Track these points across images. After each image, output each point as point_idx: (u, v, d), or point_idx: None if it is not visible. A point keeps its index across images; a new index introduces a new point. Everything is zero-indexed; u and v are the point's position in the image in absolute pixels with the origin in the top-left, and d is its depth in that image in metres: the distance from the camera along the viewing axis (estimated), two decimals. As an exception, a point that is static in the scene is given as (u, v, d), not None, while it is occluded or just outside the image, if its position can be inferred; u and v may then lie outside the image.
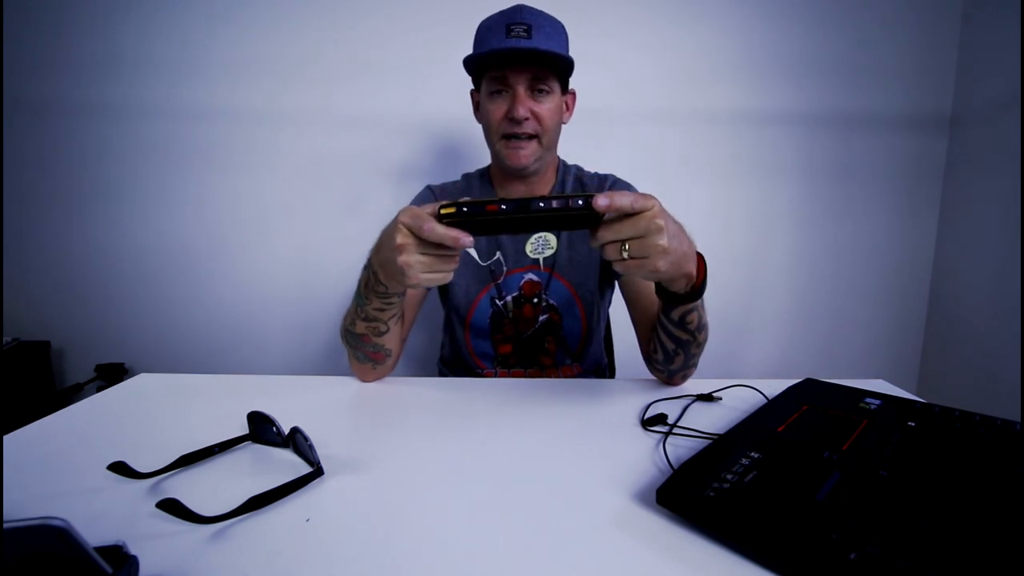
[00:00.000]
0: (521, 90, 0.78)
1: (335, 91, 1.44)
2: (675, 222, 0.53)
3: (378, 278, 0.64)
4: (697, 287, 0.60)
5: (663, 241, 0.49)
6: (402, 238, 0.53)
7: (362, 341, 0.72)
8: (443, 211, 0.49)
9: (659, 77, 1.47)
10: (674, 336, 0.68)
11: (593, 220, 0.50)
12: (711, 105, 1.48)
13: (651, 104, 1.47)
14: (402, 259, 0.53)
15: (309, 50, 1.42)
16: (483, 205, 0.48)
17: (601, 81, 1.43)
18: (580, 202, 0.47)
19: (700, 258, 0.59)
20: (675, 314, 0.65)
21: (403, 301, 0.72)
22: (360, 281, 0.68)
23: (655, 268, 0.51)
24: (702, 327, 0.68)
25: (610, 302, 1.01)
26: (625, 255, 0.50)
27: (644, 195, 0.50)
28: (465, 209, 0.48)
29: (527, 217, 0.48)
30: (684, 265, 0.55)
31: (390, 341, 0.73)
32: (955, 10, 1.47)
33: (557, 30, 0.80)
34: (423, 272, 0.53)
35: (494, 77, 0.79)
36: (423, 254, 0.53)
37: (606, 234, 0.50)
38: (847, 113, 1.49)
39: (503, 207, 0.47)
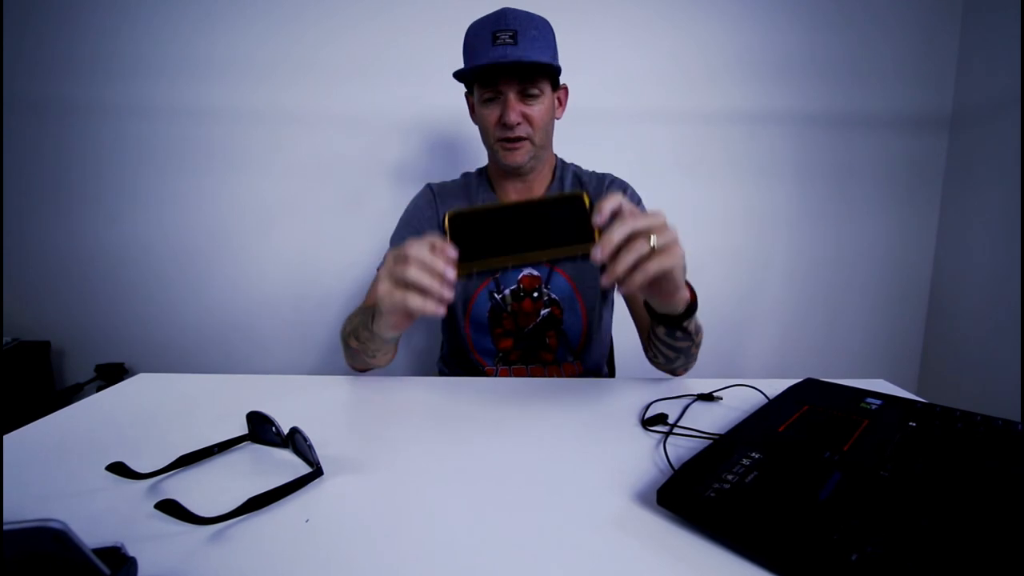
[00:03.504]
0: (512, 96, 0.79)
1: (335, 91, 1.44)
2: None
3: (374, 314, 0.64)
4: (692, 300, 0.63)
5: (672, 233, 0.51)
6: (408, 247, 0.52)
7: (353, 352, 0.75)
8: (448, 215, 0.50)
9: (657, 77, 1.47)
10: (676, 347, 0.71)
11: (586, 234, 0.50)
12: (710, 105, 1.48)
13: (649, 104, 1.47)
14: (393, 266, 0.52)
15: (309, 50, 1.42)
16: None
17: (598, 81, 1.43)
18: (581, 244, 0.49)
19: None
20: (679, 330, 0.67)
21: (389, 348, 0.73)
22: (365, 318, 0.69)
23: (678, 260, 0.51)
24: (699, 328, 0.70)
25: (612, 305, 1.01)
26: (653, 244, 0.49)
27: (612, 198, 0.50)
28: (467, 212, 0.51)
29: (522, 215, 0.49)
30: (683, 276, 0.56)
31: (376, 363, 0.76)
32: (955, 10, 1.47)
33: (543, 32, 0.80)
34: (392, 286, 0.52)
35: (485, 85, 0.80)
36: (401, 277, 0.51)
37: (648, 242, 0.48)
38: (847, 113, 1.49)
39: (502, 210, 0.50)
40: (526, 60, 0.75)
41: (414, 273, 0.49)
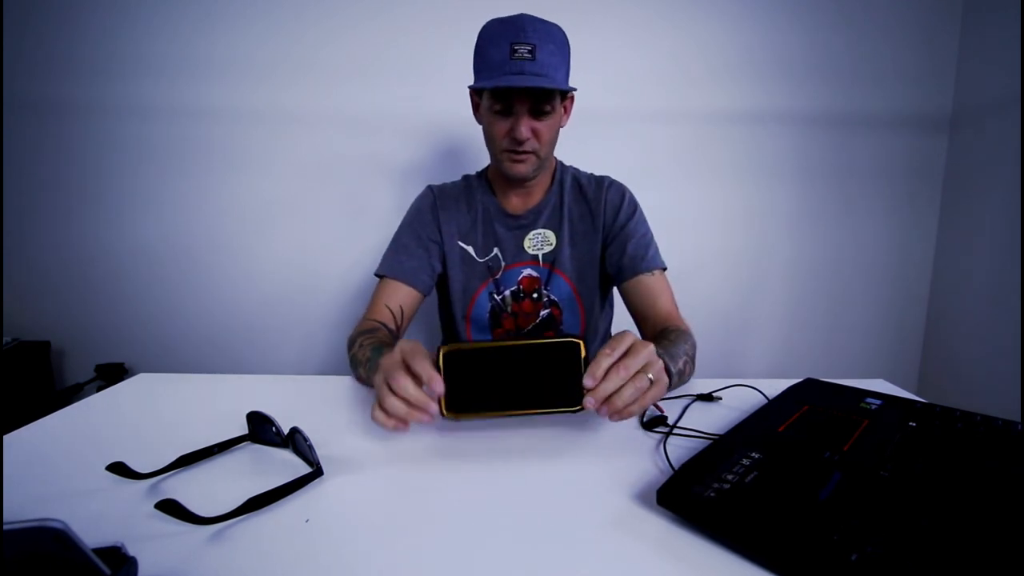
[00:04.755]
0: (524, 113, 0.79)
1: (336, 91, 1.44)
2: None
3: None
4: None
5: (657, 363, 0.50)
6: (393, 364, 0.50)
7: (357, 376, 0.73)
8: (443, 352, 0.49)
9: (658, 77, 1.47)
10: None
11: (573, 361, 0.49)
12: (710, 105, 1.48)
13: (650, 104, 1.47)
14: (378, 379, 0.51)
15: (309, 50, 1.42)
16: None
17: (599, 81, 1.43)
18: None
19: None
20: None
21: None
22: (376, 357, 0.65)
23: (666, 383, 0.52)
24: (682, 370, 0.66)
25: (612, 306, 1.01)
26: (650, 377, 0.49)
27: (611, 347, 0.49)
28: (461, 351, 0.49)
29: (517, 358, 0.49)
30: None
31: None
32: (955, 10, 1.47)
33: (559, 45, 0.79)
34: (384, 416, 0.49)
35: (497, 98, 0.79)
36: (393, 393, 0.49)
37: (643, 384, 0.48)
38: (847, 113, 1.49)
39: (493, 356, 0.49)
40: (544, 87, 0.75)
41: (398, 408, 0.48)
